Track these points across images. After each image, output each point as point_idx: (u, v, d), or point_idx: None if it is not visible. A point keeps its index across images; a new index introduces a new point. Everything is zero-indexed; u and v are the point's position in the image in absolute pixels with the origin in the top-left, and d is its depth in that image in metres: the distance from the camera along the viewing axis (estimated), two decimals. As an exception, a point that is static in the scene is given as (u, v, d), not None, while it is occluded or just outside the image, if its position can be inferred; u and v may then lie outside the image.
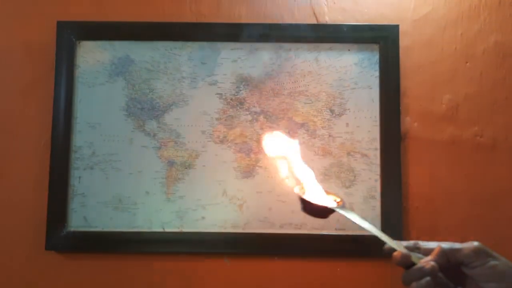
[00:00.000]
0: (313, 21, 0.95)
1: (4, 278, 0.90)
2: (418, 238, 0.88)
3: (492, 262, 0.50)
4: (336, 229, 0.89)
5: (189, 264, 0.90)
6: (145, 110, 0.92)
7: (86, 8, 0.95)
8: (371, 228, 0.55)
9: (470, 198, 0.91)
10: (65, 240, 0.89)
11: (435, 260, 0.50)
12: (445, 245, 0.52)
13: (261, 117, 0.92)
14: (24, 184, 0.92)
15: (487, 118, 0.92)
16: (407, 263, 0.51)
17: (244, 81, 0.92)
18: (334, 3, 0.95)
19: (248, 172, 0.91)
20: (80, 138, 0.91)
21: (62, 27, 0.92)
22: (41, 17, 0.95)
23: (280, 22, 0.94)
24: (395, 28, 0.92)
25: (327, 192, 0.60)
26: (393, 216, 0.89)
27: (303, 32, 0.92)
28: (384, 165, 0.89)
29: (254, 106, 0.92)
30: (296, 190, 0.60)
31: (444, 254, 0.51)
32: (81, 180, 0.91)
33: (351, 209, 0.57)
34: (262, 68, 0.93)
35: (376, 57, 0.92)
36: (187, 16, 0.95)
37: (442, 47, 0.94)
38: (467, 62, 0.94)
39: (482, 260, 0.50)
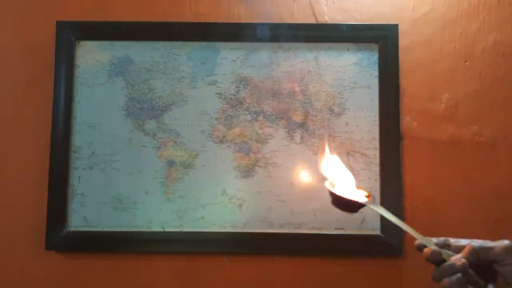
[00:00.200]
0: (312, 20, 0.95)
1: (4, 278, 0.90)
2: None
3: None
4: (335, 228, 0.89)
5: (189, 264, 0.90)
6: (145, 110, 0.92)
7: (86, 8, 0.95)
8: (400, 223, 0.55)
9: (469, 197, 0.91)
10: (65, 240, 0.89)
11: (466, 258, 0.51)
12: (476, 243, 0.52)
13: (261, 117, 0.92)
14: (24, 184, 0.92)
15: (486, 117, 0.92)
16: (437, 260, 0.52)
17: (243, 80, 0.93)
18: (334, 2, 0.95)
19: (248, 171, 0.91)
20: (79, 138, 0.91)
21: (62, 27, 0.92)
22: (41, 17, 0.95)
23: (279, 21, 0.94)
24: (394, 27, 0.92)
25: (357, 187, 0.61)
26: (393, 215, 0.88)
27: (303, 32, 0.92)
28: (384, 164, 0.90)
29: (253, 106, 0.92)
30: (327, 183, 0.60)
31: (475, 252, 0.51)
32: (81, 180, 0.91)
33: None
34: (262, 67, 0.93)
35: (375, 56, 0.92)
36: (187, 16, 0.95)
37: (441, 46, 0.94)
38: (466, 61, 0.94)
39: None
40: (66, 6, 0.95)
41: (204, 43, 0.93)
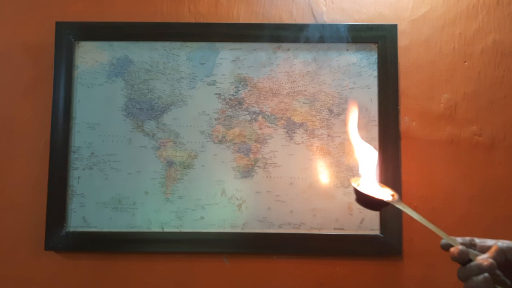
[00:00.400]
0: (311, 21, 0.95)
1: (4, 278, 0.90)
2: (416, 238, 0.89)
3: None
4: (335, 228, 0.89)
5: (188, 264, 0.90)
6: (144, 110, 0.92)
7: (85, 8, 0.95)
8: (426, 222, 0.56)
9: (468, 197, 0.91)
10: (65, 240, 0.89)
11: (493, 258, 0.51)
12: (503, 243, 0.52)
13: (260, 117, 0.92)
14: (23, 184, 0.92)
15: (485, 117, 0.92)
16: (464, 259, 0.52)
17: (242, 81, 0.93)
18: (333, 2, 0.95)
19: (247, 172, 0.91)
20: (79, 138, 0.92)
21: (61, 27, 0.92)
22: (40, 17, 0.95)
23: (278, 22, 0.94)
24: (394, 27, 0.92)
25: (382, 185, 0.61)
26: (392, 215, 0.89)
27: (302, 32, 0.92)
28: (383, 164, 0.90)
29: (252, 106, 0.92)
30: (353, 181, 0.60)
31: (502, 252, 0.51)
32: (80, 181, 0.91)
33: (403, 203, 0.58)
34: (261, 68, 0.93)
35: (374, 56, 0.92)
36: (186, 16, 0.95)
37: (440, 46, 0.94)
38: (465, 62, 0.94)
39: None
40: (66, 7, 0.96)
41: (203, 44, 0.93)
